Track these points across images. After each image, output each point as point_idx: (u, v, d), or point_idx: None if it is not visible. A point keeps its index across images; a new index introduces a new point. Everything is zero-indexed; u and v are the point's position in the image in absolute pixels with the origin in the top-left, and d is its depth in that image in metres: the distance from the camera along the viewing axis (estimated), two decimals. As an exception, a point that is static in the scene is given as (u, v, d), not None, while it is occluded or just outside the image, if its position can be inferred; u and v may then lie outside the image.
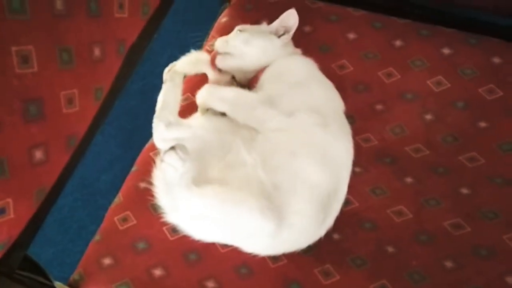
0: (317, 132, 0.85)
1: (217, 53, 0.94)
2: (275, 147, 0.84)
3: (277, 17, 0.99)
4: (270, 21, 1.00)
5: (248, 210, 0.78)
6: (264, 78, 0.93)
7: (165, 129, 0.86)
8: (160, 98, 0.91)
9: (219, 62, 0.94)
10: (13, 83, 0.59)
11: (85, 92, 0.72)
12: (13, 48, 0.58)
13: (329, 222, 0.84)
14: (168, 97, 0.91)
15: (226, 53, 0.94)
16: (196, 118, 0.92)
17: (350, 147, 0.89)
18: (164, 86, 0.93)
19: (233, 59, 0.94)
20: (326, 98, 0.93)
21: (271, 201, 0.79)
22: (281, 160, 0.83)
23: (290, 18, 0.96)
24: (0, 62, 0.57)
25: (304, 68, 0.95)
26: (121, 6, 0.74)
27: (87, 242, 0.91)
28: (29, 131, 0.63)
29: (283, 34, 0.97)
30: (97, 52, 0.72)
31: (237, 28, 0.98)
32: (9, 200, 0.64)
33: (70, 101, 0.69)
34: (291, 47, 0.98)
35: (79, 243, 0.94)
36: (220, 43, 0.95)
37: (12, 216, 0.66)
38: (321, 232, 0.84)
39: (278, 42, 0.96)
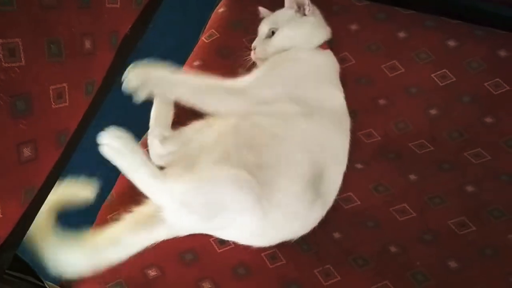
0: (298, 120, 0.85)
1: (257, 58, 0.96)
2: (258, 131, 0.83)
3: (275, 6, 0.97)
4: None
5: (223, 182, 0.76)
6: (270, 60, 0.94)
7: (159, 145, 0.87)
8: (153, 113, 0.91)
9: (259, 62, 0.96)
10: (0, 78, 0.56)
11: (76, 86, 0.68)
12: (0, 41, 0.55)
13: (321, 210, 0.82)
14: (160, 111, 0.90)
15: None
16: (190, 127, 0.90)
17: (339, 139, 0.88)
18: (155, 101, 0.91)
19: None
20: (316, 92, 0.90)
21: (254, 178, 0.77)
22: (263, 141, 0.82)
23: None
24: (-16, 56, 0.54)
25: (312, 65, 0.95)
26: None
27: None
28: (17, 127, 0.60)
29: (302, 9, 0.96)
30: (88, 44, 0.68)
31: (266, 26, 0.97)
32: (-3, 199, 0.61)
33: (59, 95, 0.66)
34: (322, 20, 0.99)
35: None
36: (260, 51, 0.96)
37: (0, 215, 0.63)
38: (313, 218, 0.82)
39: (309, 20, 0.96)
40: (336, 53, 1.04)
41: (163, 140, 0.87)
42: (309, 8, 0.96)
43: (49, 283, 0.78)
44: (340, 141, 0.88)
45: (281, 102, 0.86)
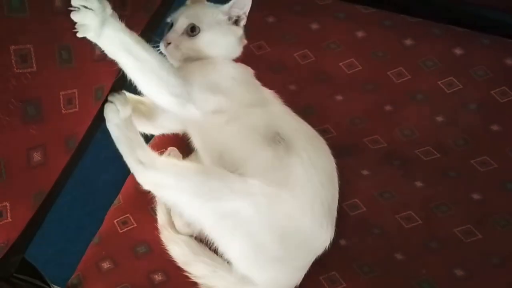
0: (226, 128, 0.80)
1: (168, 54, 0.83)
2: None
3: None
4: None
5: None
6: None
7: (142, 172, 0.76)
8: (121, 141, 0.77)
9: (170, 58, 0.83)
10: (11, 83, 0.57)
11: (85, 92, 0.69)
12: (12, 47, 0.56)
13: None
14: (127, 134, 0.76)
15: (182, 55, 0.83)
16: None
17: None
18: (115, 129, 0.76)
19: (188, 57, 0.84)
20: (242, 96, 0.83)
21: None
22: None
23: (245, 2, 0.84)
24: (-2, 62, 0.55)
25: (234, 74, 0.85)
26: (123, 3, 0.72)
27: (85, 242, 0.89)
28: (27, 132, 0.61)
29: (236, 20, 0.86)
30: (98, 50, 0.69)
31: (186, 19, 0.83)
32: (6, 203, 0.62)
33: (69, 101, 0.66)
34: (243, 37, 0.89)
35: (77, 243, 0.92)
36: (173, 50, 0.82)
37: (9, 219, 0.63)
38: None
39: (239, 32, 0.86)
40: (342, 59, 1.04)
41: (142, 165, 0.77)
42: (243, 23, 0.87)
43: (56, 286, 0.78)
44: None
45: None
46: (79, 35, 0.64)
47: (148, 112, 0.88)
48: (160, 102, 0.77)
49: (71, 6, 0.62)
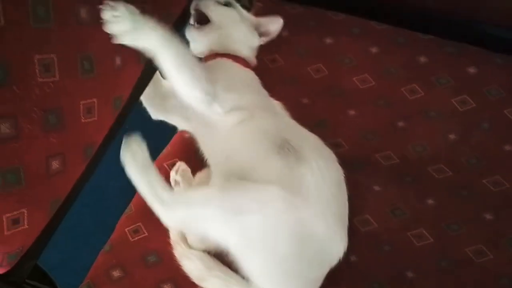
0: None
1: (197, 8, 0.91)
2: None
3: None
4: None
5: None
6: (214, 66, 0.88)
7: (168, 212, 0.77)
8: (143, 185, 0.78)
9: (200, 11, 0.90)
10: (34, 92, 0.58)
11: (105, 101, 0.70)
12: (36, 57, 0.57)
13: None
14: (147, 177, 0.77)
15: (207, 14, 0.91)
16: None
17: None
18: (135, 174, 0.77)
19: (209, 27, 0.91)
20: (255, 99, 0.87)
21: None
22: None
23: (276, 25, 0.94)
24: (23, 71, 0.56)
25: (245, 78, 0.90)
26: (144, 12, 0.72)
27: (94, 248, 0.89)
28: (47, 140, 0.62)
29: (261, 35, 0.95)
30: (118, 60, 0.70)
31: None
32: (24, 210, 0.62)
33: (89, 110, 0.67)
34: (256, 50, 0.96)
35: (88, 250, 0.92)
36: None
37: (26, 226, 0.64)
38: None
39: (257, 41, 0.94)
40: (356, 73, 1.05)
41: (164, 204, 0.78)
42: (266, 40, 0.95)
43: (66, 293, 0.78)
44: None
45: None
46: (117, 42, 0.67)
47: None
48: (192, 97, 0.78)
49: (101, 20, 0.64)
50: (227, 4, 0.93)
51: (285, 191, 0.74)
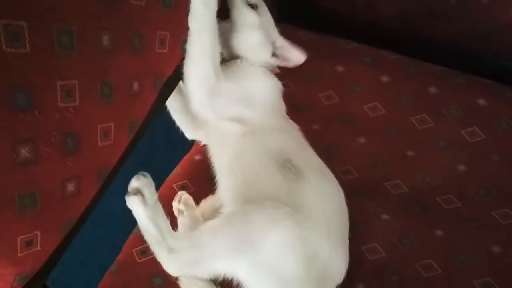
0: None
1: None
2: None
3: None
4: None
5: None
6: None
7: (175, 260, 0.76)
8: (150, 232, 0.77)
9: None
10: (54, 117, 0.59)
11: (121, 126, 0.71)
12: (59, 83, 0.58)
13: None
14: (156, 222, 0.77)
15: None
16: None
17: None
18: (143, 220, 0.77)
19: (227, 23, 0.86)
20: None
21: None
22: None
23: (296, 57, 0.90)
24: (44, 97, 0.57)
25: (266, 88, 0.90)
26: (162, 42, 0.74)
27: (102, 270, 0.89)
28: (64, 164, 0.62)
29: (277, 56, 0.90)
30: (136, 86, 0.71)
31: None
32: (38, 232, 0.63)
33: (106, 134, 0.68)
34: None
35: (93, 269, 0.92)
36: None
37: (38, 248, 0.64)
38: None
39: (270, 60, 0.90)
40: (366, 101, 1.06)
41: (172, 252, 0.77)
42: (280, 64, 0.92)
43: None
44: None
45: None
46: None
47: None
48: (193, 82, 0.79)
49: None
50: (254, 6, 0.87)
51: (288, 211, 0.74)
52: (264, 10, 0.90)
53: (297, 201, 0.77)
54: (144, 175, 0.77)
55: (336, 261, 0.78)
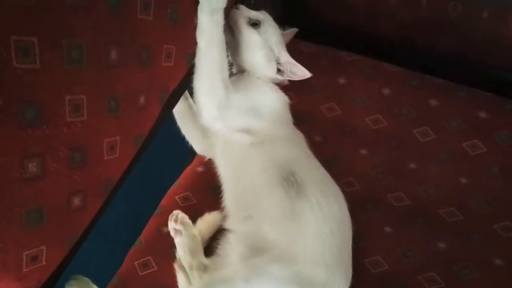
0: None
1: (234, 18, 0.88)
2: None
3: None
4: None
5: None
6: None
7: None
8: (182, 249, 0.85)
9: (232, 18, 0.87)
10: (62, 131, 0.59)
11: (127, 139, 0.71)
12: (67, 97, 0.58)
13: None
14: (190, 244, 0.85)
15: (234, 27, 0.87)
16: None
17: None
18: (179, 239, 0.86)
19: (233, 37, 0.88)
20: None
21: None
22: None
23: (303, 75, 0.90)
24: (53, 112, 0.57)
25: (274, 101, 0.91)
26: (168, 55, 0.74)
27: (104, 283, 0.88)
28: (71, 178, 0.62)
29: (283, 72, 0.91)
30: (142, 100, 0.71)
31: (261, 14, 0.90)
32: (43, 247, 0.63)
33: (112, 148, 0.68)
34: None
35: (95, 282, 0.91)
36: (242, 13, 0.88)
37: (44, 263, 0.64)
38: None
39: (275, 76, 0.91)
40: (368, 114, 1.07)
41: (204, 269, 0.83)
42: (283, 79, 0.93)
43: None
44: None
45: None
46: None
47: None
48: (203, 96, 0.81)
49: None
50: (257, 22, 0.88)
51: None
52: (269, 25, 0.90)
53: (295, 221, 0.77)
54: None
55: (334, 283, 0.77)
